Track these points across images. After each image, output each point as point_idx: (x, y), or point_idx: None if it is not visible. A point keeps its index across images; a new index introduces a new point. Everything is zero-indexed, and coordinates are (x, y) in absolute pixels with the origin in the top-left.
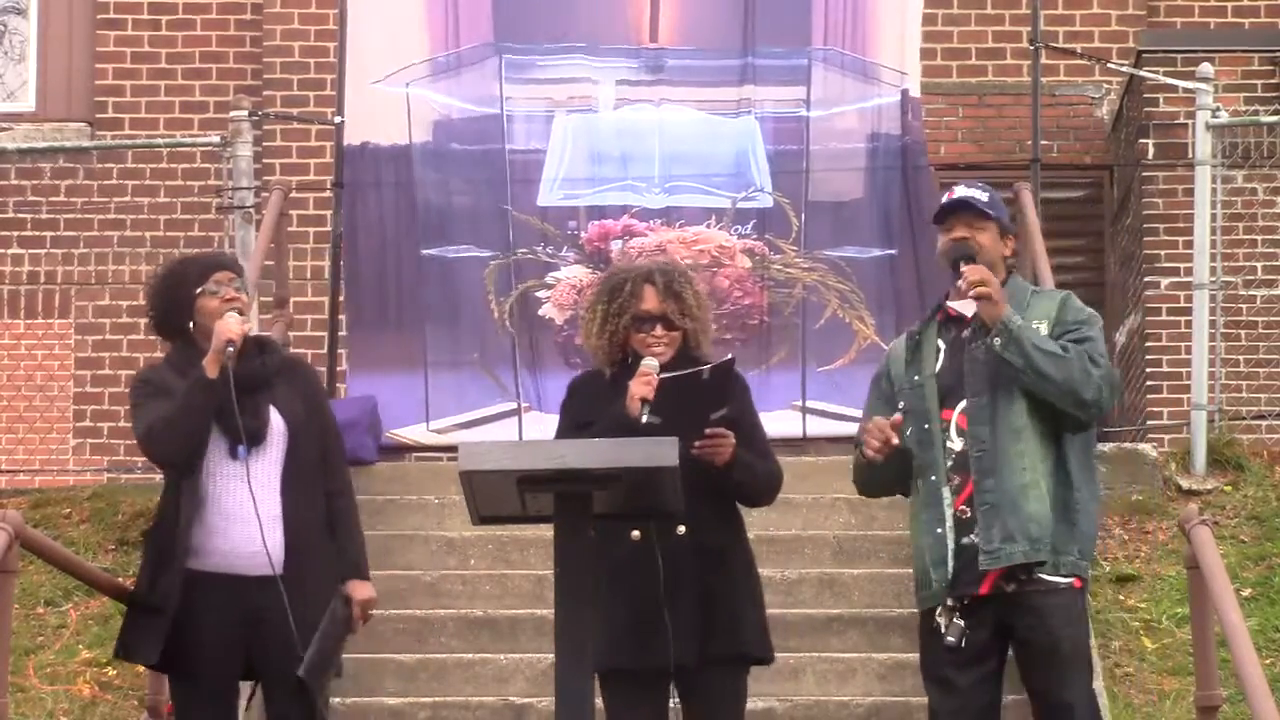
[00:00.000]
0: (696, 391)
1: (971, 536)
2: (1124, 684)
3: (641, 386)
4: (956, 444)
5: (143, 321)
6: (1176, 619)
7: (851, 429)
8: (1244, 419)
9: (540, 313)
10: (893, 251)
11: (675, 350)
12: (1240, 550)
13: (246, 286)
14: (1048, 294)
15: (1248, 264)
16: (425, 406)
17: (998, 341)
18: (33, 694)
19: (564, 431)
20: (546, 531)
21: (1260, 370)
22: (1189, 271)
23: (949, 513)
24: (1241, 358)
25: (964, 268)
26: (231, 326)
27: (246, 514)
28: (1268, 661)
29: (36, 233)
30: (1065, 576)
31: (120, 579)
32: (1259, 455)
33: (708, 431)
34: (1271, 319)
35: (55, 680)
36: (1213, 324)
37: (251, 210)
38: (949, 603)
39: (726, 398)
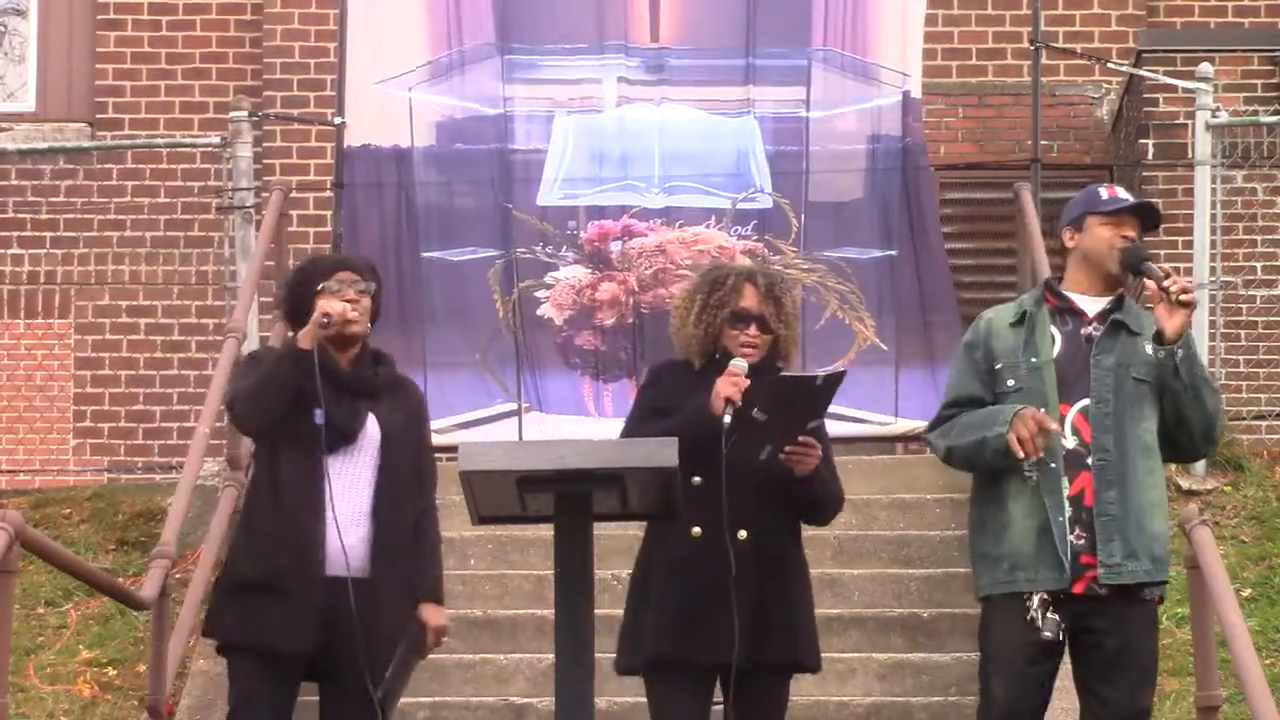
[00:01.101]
0: (802, 396)
1: (1071, 538)
2: None
3: (729, 386)
4: (1069, 441)
5: (143, 321)
6: (1176, 619)
7: (852, 429)
8: (1244, 419)
9: (539, 313)
10: (893, 252)
11: (764, 355)
12: (1240, 550)
13: (373, 291)
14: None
15: (1248, 264)
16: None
17: (1180, 353)
18: (33, 694)
19: (639, 416)
20: (546, 531)
21: (1260, 370)
22: (1189, 271)
23: (1068, 504)
24: (1241, 358)
25: (1164, 269)
26: (334, 305)
27: (332, 513)
28: (1268, 661)
29: (36, 233)
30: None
31: (120, 579)
32: (1259, 455)
33: (800, 439)
34: (1271, 319)
35: (55, 680)
36: (1213, 324)
37: (251, 210)
38: (1044, 595)
39: (824, 409)
